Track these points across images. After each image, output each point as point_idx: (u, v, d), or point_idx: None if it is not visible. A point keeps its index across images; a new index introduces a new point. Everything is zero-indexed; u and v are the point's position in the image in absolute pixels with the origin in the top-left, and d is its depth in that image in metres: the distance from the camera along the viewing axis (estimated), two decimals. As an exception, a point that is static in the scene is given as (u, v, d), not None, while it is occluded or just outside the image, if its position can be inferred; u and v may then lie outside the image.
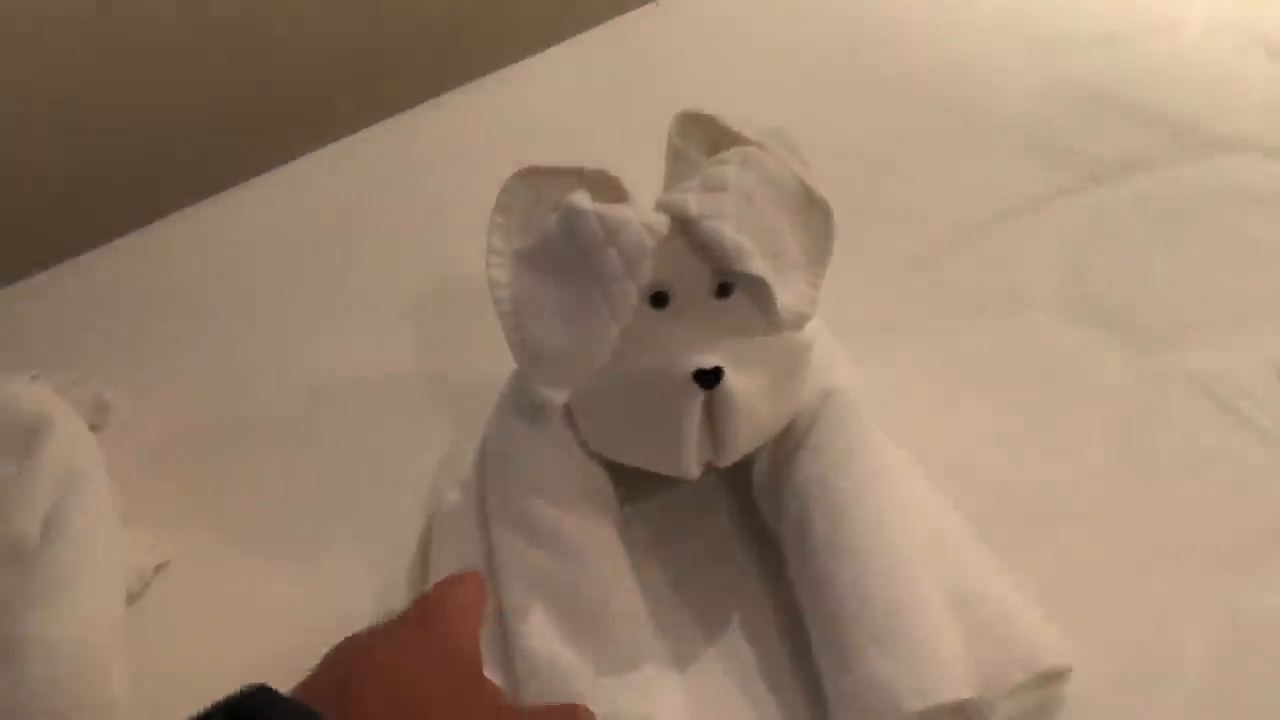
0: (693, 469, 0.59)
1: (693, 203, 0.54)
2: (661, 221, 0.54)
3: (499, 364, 0.62)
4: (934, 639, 0.54)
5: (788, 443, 0.62)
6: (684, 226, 0.55)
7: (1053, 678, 0.55)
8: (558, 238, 0.55)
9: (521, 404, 0.61)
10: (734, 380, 0.55)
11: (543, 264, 0.56)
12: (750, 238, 0.54)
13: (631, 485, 0.65)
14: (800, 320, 0.57)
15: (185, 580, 0.65)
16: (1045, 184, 0.87)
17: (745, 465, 0.63)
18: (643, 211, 0.54)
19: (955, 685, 0.52)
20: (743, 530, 0.65)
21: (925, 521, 0.59)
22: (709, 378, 0.54)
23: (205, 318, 0.83)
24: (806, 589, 0.59)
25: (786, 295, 0.56)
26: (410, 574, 0.65)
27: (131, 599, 0.63)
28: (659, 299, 0.56)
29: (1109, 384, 0.73)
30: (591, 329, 0.55)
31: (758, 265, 0.54)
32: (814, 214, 0.57)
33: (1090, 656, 0.56)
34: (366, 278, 0.85)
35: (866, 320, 0.75)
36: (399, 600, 0.64)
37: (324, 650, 0.41)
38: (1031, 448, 0.69)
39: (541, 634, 0.56)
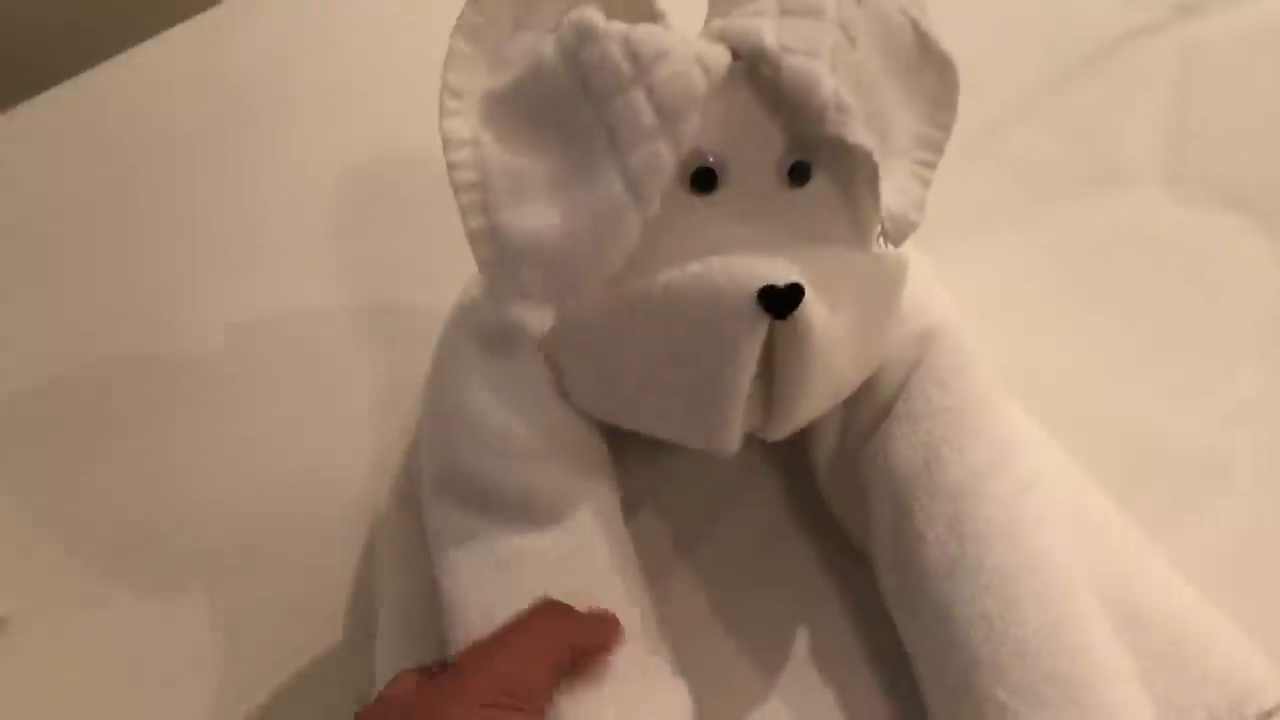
0: (734, 439, 0.40)
1: (769, 29, 0.34)
2: (719, 56, 0.34)
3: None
4: (1108, 688, 0.39)
5: (869, 408, 0.44)
6: (753, 66, 0.35)
7: (1263, 717, 0.40)
8: (555, 73, 0.35)
9: (483, 329, 0.42)
10: (816, 308, 0.36)
11: (528, 114, 0.37)
12: (853, 95, 0.35)
13: (636, 464, 0.47)
14: (906, 230, 0.38)
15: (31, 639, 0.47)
16: (1121, 23, 0.68)
17: (799, 440, 0.45)
18: (689, 39, 0.34)
19: (1143, 749, 0.37)
20: (796, 531, 0.48)
21: (1071, 509, 0.43)
22: (782, 301, 0.35)
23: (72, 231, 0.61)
24: (913, 621, 0.42)
25: (890, 194, 0.37)
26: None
27: None
28: (704, 178, 0.36)
29: (1247, 282, 0.56)
30: (601, 216, 0.35)
31: (861, 133, 0.35)
32: (930, 75, 0.37)
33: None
34: (280, 157, 0.64)
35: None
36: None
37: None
38: (1164, 377, 0.53)
39: None
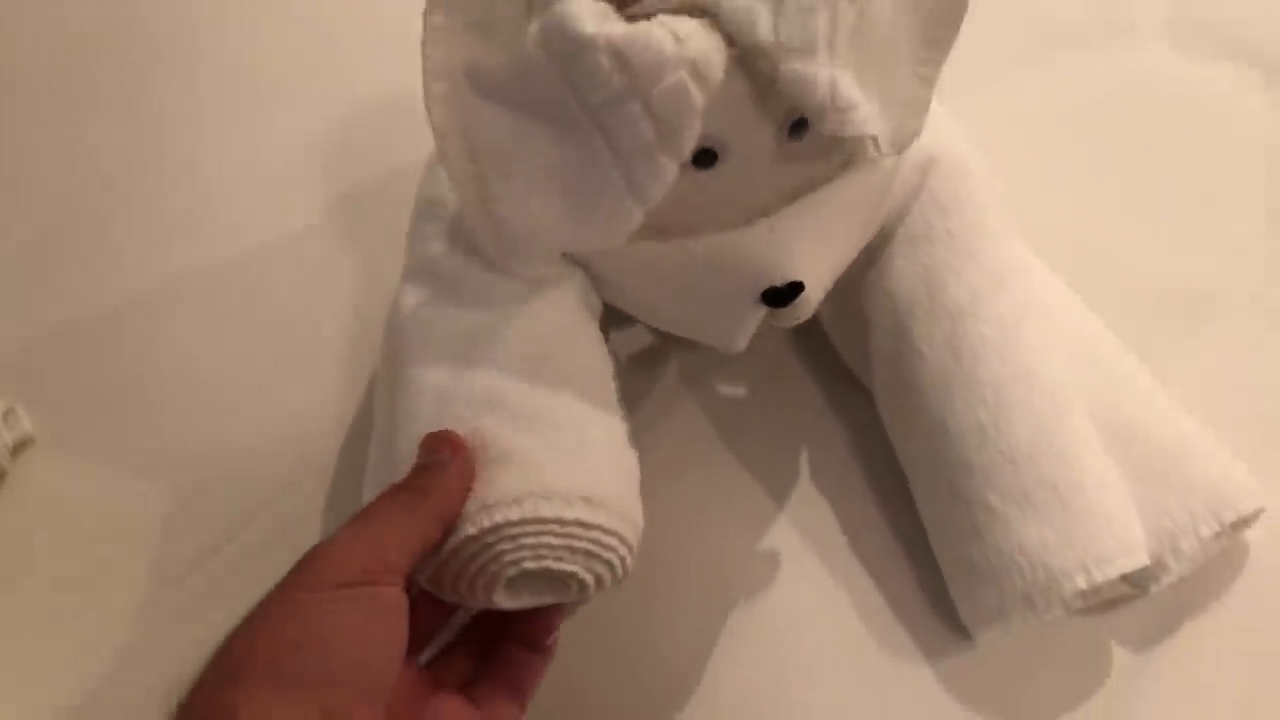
0: (742, 347, 0.42)
1: (763, 21, 0.33)
2: (715, 61, 0.32)
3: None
4: (1096, 494, 0.40)
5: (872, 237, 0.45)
6: (749, 58, 0.33)
7: (1239, 523, 0.42)
8: (545, 75, 0.33)
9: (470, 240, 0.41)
10: (813, 294, 0.39)
11: (522, 104, 0.35)
12: (856, 60, 0.34)
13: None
14: (906, 142, 0.39)
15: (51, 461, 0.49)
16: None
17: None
18: (682, 30, 0.32)
19: (1128, 551, 0.39)
20: (800, 369, 0.50)
21: (1068, 334, 0.44)
22: (782, 295, 0.38)
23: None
24: (909, 437, 0.44)
25: (893, 112, 0.37)
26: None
27: None
28: (704, 158, 0.36)
29: (1246, 129, 0.57)
30: (604, 211, 0.35)
31: (871, 121, 0.35)
32: None
33: (1271, 486, 0.43)
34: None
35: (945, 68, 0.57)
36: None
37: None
38: (1163, 219, 0.54)
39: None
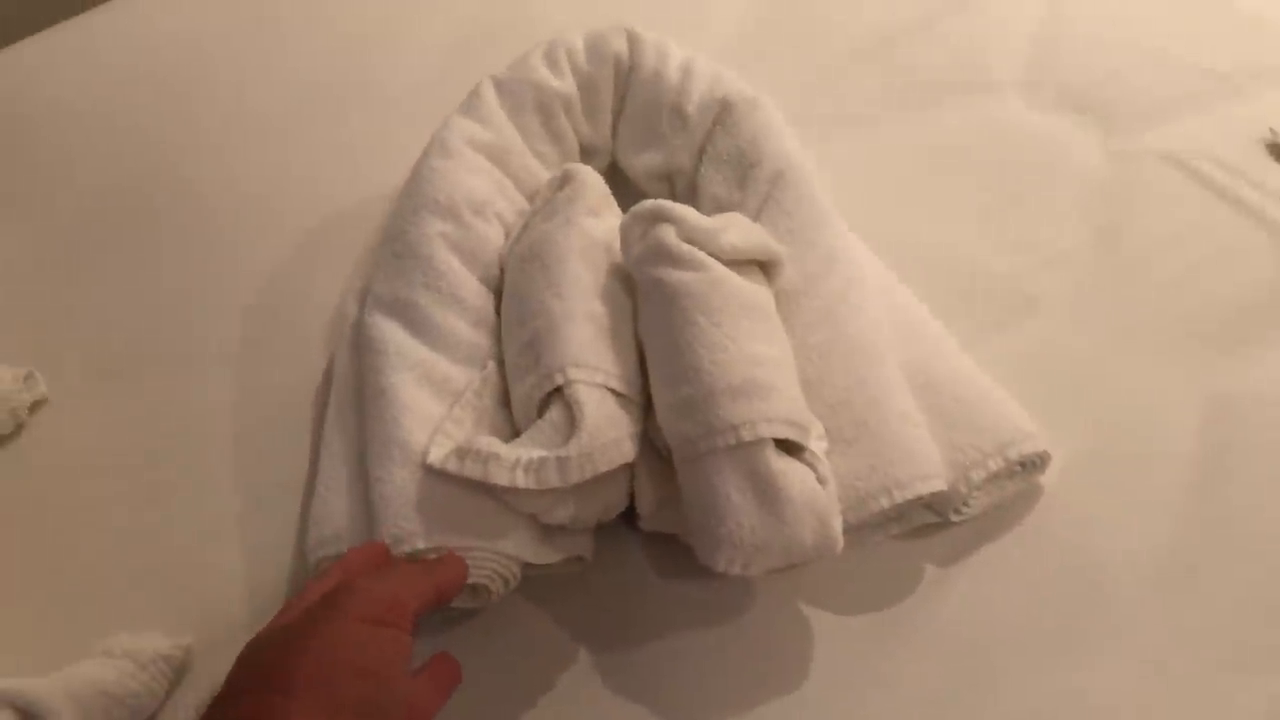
0: None
1: None
2: None
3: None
4: (901, 428, 0.49)
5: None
6: None
7: (1030, 466, 0.51)
8: None
9: None
10: None
11: None
12: None
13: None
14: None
15: (63, 417, 0.59)
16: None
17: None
18: None
19: (926, 478, 0.48)
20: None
21: (887, 306, 0.54)
22: None
23: (71, 142, 0.74)
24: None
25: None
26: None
27: (4, 438, 0.57)
28: None
29: (1080, 166, 0.67)
30: None
31: None
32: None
33: (1068, 445, 0.53)
34: (258, 94, 0.76)
35: (819, 114, 0.69)
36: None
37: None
38: (998, 234, 0.64)
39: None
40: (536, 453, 0.45)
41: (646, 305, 0.49)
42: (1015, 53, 0.74)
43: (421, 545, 0.46)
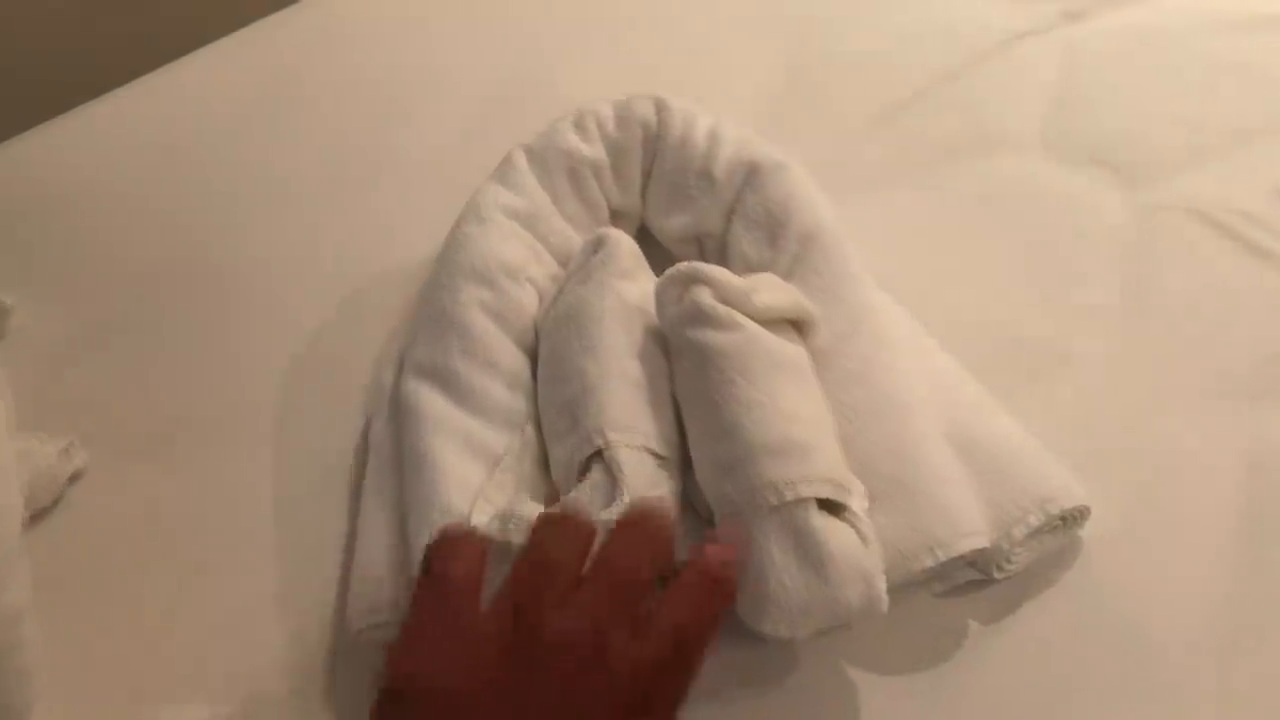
0: None
1: None
2: None
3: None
4: (940, 487, 0.49)
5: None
6: None
7: (1070, 521, 0.51)
8: None
9: None
10: None
11: None
12: None
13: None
14: None
15: (102, 489, 0.59)
16: (1016, 22, 0.81)
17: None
18: None
19: (968, 535, 0.48)
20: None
21: (918, 361, 0.54)
22: None
23: (105, 218, 0.75)
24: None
25: None
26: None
27: (44, 510, 0.57)
28: None
29: (1102, 221, 0.67)
30: None
31: None
32: None
33: (1106, 500, 0.52)
34: (286, 165, 0.77)
35: (838, 178, 0.68)
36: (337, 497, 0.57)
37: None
38: (1025, 292, 0.64)
39: None
40: None
41: (683, 366, 0.50)
42: (1030, 111, 0.75)
43: None
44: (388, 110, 0.79)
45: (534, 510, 0.46)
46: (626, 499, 0.45)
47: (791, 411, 0.47)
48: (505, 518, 0.46)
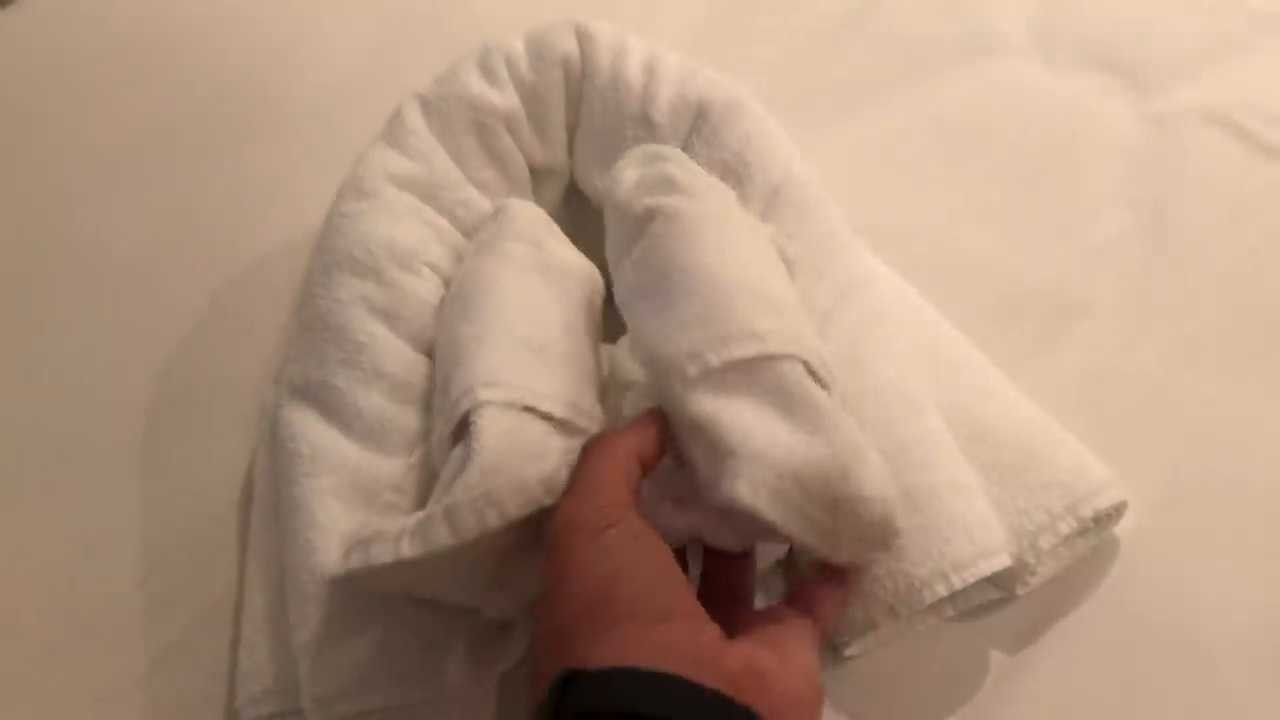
0: None
1: None
2: None
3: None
4: (953, 497, 0.41)
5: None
6: None
7: (1104, 520, 0.42)
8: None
9: None
10: None
11: None
12: None
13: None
14: None
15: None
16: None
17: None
18: None
19: (987, 555, 0.40)
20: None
21: (921, 342, 0.45)
22: None
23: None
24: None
25: None
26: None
27: None
28: None
29: (1111, 135, 0.58)
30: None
31: None
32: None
33: (1142, 485, 0.44)
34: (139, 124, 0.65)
35: (806, 95, 0.60)
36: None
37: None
38: (1031, 226, 0.55)
39: None
40: (424, 511, 0.36)
41: (642, 242, 0.40)
42: (1021, 5, 0.64)
43: (350, 710, 0.37)
44: (260, 54, 0.66)
45: (380, 525, 0.36)
46: (475, 472, 0.35)
47: (780, 280, 0.40)
48: (348, 550, 0.36)
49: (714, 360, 0.36)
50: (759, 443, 0.35)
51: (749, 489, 0.34)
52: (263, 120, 0.63)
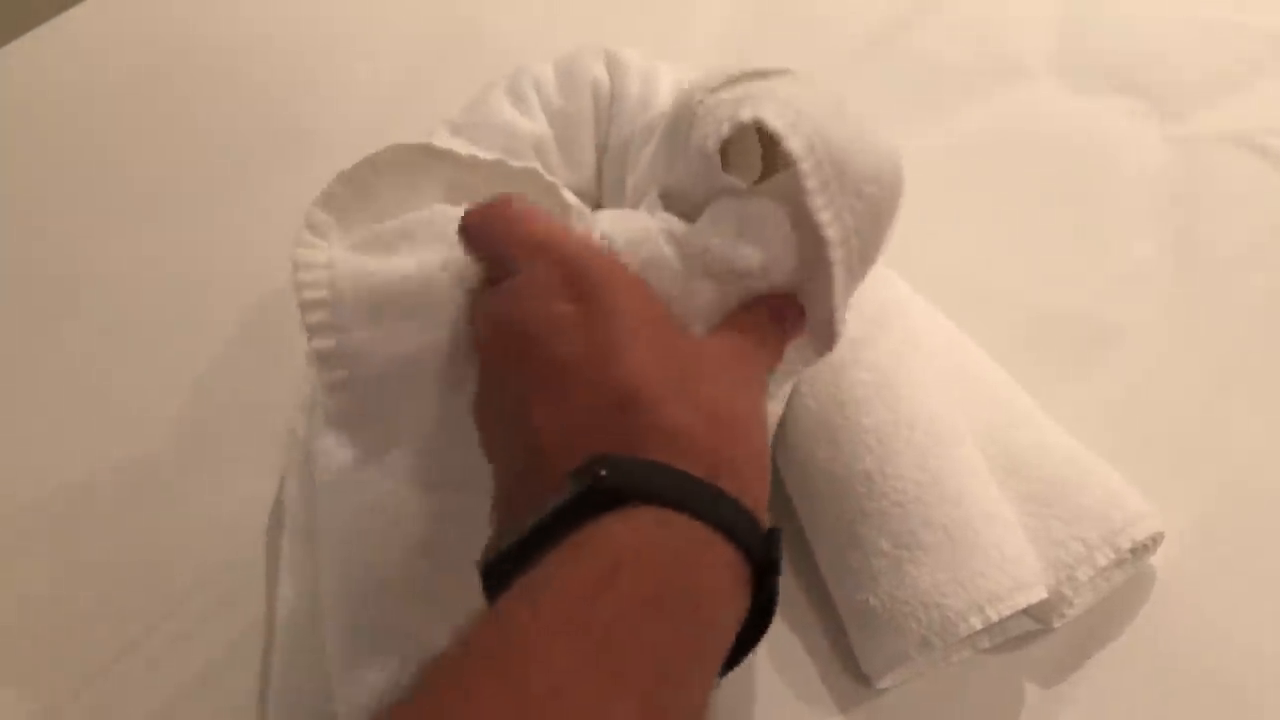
0: None
1: None
2: None
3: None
4: (988, 529, 0.40)
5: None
6: None
7: (1141, 551, 0.42)
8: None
9: None
10: None
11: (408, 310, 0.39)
12: None
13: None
14: None
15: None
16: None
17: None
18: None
19: (1022, 587, 0.39)
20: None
21: (953, 370, 0.44)
22: None
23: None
24: (803, 486, 0.44)
25: None
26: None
27: None
28: None
29: (1136, 158, 0.58)
30: None
31: None
32: None
33: (1178, 515, 0.43)
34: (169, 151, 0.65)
35: None
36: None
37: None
38: (1060, 252, 0.55)
39: None
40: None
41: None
42: (1044, 31, 0.64)
43: None
44: (289, 83, 0.67)
45: None
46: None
47: None
48: None
49: None
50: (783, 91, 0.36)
51: (775, 110, 0.34)
52: (294, 148, 0.63)
